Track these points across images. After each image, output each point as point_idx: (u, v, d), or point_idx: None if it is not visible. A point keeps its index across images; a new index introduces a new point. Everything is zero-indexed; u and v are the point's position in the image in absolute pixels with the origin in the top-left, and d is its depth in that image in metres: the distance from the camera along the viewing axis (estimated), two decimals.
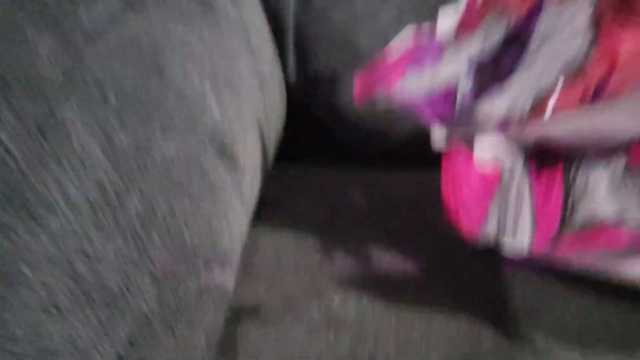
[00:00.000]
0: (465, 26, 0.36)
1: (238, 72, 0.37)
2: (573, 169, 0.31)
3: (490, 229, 0.31)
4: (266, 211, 0.44)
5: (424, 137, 0.54)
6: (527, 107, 0.31)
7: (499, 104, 0.32)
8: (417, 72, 0.36)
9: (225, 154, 0.31)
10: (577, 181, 0.30)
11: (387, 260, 0.39)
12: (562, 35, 0.31)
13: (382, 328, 0.33)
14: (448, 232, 0.41)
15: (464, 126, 0.35)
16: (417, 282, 0.37)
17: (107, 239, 0.19)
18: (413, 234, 0.41)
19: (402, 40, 0.38)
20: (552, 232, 0.29)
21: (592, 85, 0.29)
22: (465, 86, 0.34)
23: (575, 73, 0.30)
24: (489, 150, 0.34)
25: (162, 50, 0.26)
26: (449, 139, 0.36)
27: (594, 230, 0.28)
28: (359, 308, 0.34)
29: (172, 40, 0.27)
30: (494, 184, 0.33)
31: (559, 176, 0.31)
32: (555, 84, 0.30)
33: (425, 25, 0.37)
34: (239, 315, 0.35)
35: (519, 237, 0.30)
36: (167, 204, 0.23)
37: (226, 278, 0.31)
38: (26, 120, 0.17)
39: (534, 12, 0.33)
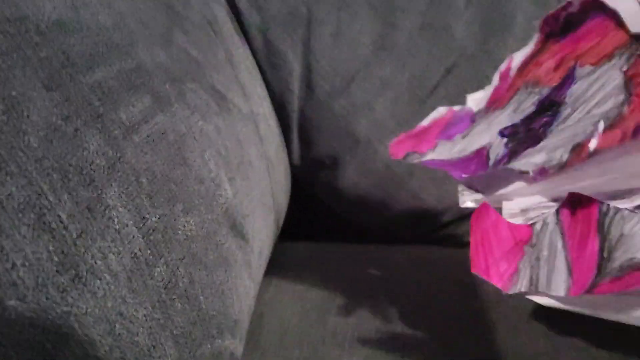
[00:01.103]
0: (497, 101, 0.37)
1: (248, 158, 0.40)
2: (608, 219, 0.29)
3: (521, 284, 0.30)
4: (271, 287, 0.46)
5: (419, 216, 0.57)
6: (565, 157, 0.30)
7: (534, 159, 0.32)
8: (447, 143, 0.37)
9: (237, 232, 0.35)
10: (612, 230, 0.29)
11: (387, 331, 0.40)
12: (595, 100, 0.31)
13: None
14: (446, 304, 0.43)
15: (494, 184, 0.35)
16: (416, 349, 0.38)
17: (138, 303, 0.22)
18: (412, 306, 0.42)
19: (435, 117, 0.39)
20: (588, 282, 0.28)
21: (630, 128, 0.28)
22: (497, 151, 0.34)
23: (611, 122, 0.29)
24: (519, 210, 0.34)
25: (185, 142, 0.30)
26: (476, 198, 0.36)
27: (633, 272, 0.27)
28: None
29: (193, 133, 0.31)
30: (524, 239, 0.32)
31: (593, 227, 0.30)
32: (592, 134, 0.30)
33: (457, 106, 0.39)
34: None
35: (554, 292, 0.29)
36: (187, 274, 0.27)
37: (236, 346, 0.33)
38: (79, 202, 0.20)
39: (566, 81, 0.33)
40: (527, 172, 0.33)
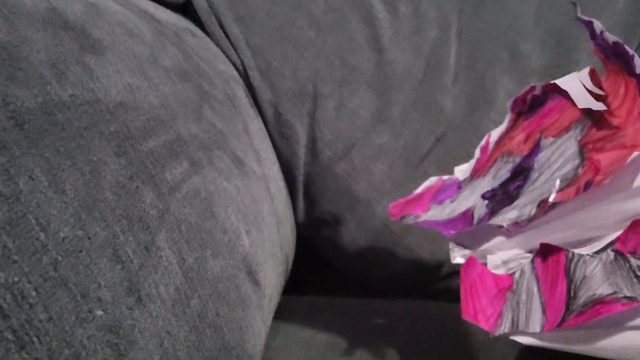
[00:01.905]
0: (479, 170, 0.42)
1: (261, 214, 0.46)
2: (573, 264, 0.34)
3: (505, 326, 0.35)
4: (278, 334, 0.50)
5: (414, 271, 0.62)
6: (533, 212, 0.36)
7: (508, 215, 0.37)
8: (438, 207, 0.42)
9: (252, 277, 0.40)
10: (577, 273, 0.34)
11: None
12: (557, 165, 0.37)
13: None
14: (439, 354, 0.46)
15: (479, 240, 0.40)
16: None
17: (179, 326, 0.27)
18: (410, 356, 0.46)
19: (427, 185, 0.44)
20: (559, 318, 0.33)
21: (582, 184, 0.34)
22: (480, 211, 0.39)
23: (569, 182, 0.35)
24: (500, 262, 0.39)
25: (213, 199, 0.36)
26: (464, 253, 0.41)
27: (594, 305, 0.32)
28: None
29: (219, 191, 0.37)
30: (506, 286, 0.37)
31: (561, 271, 0.35)
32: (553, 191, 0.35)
33: (446, 176, 0.44)
34: None
35: (531, 329, 0.34)
36: (215, 308, 0.32)
37: None
38: (140, 242, 0.26)
39: (533, 151, 0.38)
40: (502, 226, 0.38)
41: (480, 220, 0.39)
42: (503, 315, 0.36)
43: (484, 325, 0.35)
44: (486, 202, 0.40)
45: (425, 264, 0.61)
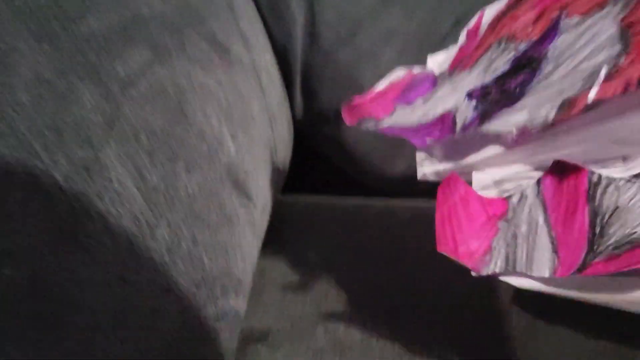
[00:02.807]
0: (463, 61, 0.34)
1: (250, 111, 0.39)
2: (599, 190, 0.27)
3: (495, 264, 0.28)
4: (274, 242, 0.45)
5: None
6: (552, 115, 0.27)
7: (514, 118, 0.29)
8: (407, 108, 0.34)
9: (240, 188, 0.34)
10: (605, 202, 0.26)
11: (389, 287, 0.40)
12: (584, 53, 0.28)
13: (386, 352, 0.35)
14: (445, 261, 0.42)
15: (461, 152, 0.33)
16: (418, 307, 0.38)
17: (140, 266, 0.21)
18: (412, 262, 0.42)
19: (392, 79, 0.36)
20: (578, 261, 0.26)
21: (633, 79, 0.25)
22: (465, 115, 0.31)
23: (611, 73, 0.26)
24: (492, 182, 0.31)
25: (185, 95, 0.29)
26: (437, 169, 0.34)
27: (632, 249, 0.24)
28: (364, 333, 0.36)
29: (194, 86, 0.30)
30: (498, 214, 0.29)
31: (582, 199, 0.27)
32: (584, 88, 0.27)
33: (416, 67, 0.36)
34: (249, 339, 0.37)
35: (536, 272, 0.27)
36: (190, 234, 0.26)
37: (239, 303, 0.33)
38: (76, 162, 0.19)
39: (548, 34, 0.30)
40: (510, 132, 0.29)
41: (467, 127, 0.31)
42: (493, 251, 0.28)
43: (466, 261, 0.28)
44: (474, 102, 0.31)
45: None
